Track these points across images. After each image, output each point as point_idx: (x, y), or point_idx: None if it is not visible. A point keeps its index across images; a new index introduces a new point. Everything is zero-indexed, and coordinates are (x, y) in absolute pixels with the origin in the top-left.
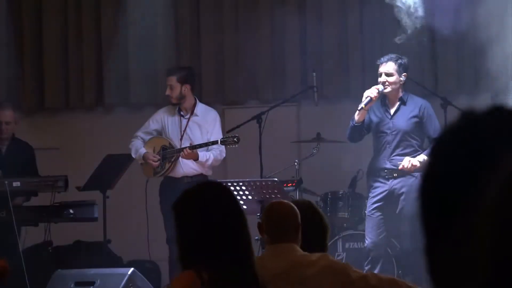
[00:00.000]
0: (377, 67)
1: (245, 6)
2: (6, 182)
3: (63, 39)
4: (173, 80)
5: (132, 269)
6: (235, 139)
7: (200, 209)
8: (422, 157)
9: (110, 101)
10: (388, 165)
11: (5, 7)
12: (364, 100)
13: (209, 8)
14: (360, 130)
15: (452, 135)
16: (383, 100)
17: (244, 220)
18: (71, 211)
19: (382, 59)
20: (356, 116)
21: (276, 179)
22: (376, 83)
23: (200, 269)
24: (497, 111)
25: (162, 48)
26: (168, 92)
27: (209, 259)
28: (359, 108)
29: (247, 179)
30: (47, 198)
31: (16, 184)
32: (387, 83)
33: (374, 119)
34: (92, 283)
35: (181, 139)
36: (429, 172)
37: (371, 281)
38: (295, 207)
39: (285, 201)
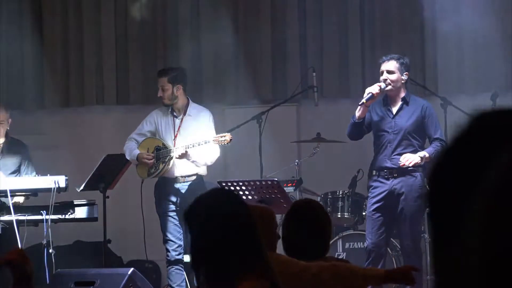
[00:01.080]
0: (379, 65)
1: (245, 6)
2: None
3: (64, 39)
4: (164, 81)
5: (132, 269)
6: (226, 137)
7: (227, 219)
8: (423, 153)
9: (110, 101)
10: (389, 164)
11: (5, 7)
12: (366, 96)
13: (209, 8)
14: (360, 127)
15: (463, 135)
16: (385, 99)
17: (256, 226)
18: (71, 211)
19: (384, 57)
20: (357, 113)
21: (276, 179)
22: (376, 82)
23: (261, 279)
24: (510, 112)
25: (162, 48)
26: (160, 93)
27: (255, 267)
28: (360, 103)
29: (247, 179)
30: (47, 198)
31: (16, 184)
32: (388, 80)
33: (375, 117)
34: (92, 283)
35: (174, 139)
36: (438, 171)
37: (312, 270)
38: (264, 211)
39: (257, 205)
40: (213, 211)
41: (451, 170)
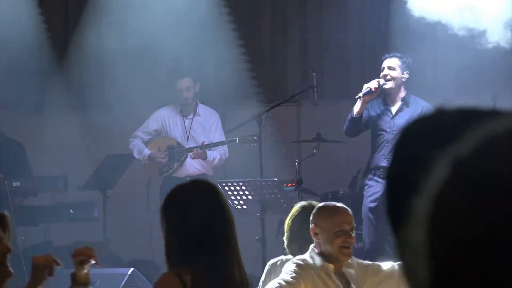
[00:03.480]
0: (381, 62)
1: (246, 6)
2: (6, 182)
3: (64, 39)
4: (189, 81)
5: (132, 269)
6: (255, 138)
7: (181, 209)
8: None
9: (110, 102)
10: (385, 164)
11: (5, 7)
12: (364, 90)
13: (209, 8)
14: (357, 124)
15: (399, 141)
16: (385, 99)
17: (229, 219)
18: (71, 211)
19: (387, 54)
20: (355, 108)
21: (276, 179)
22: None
23: (182, 272)
24: (439, 114)
25: (162, 48)
26: (185, 95)
27: (190, 261)
28: (356, 97)
29: (247, 179)
30: (47, 198)
31: (16, 184)
32: (388, 76)
33: (374, 116)
34: (92, 283)
35: (187, 140)
36: (388, 173)
37: None
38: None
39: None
40: (188, 203)
41: (399, 162)
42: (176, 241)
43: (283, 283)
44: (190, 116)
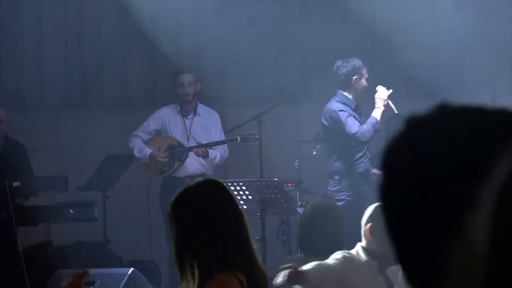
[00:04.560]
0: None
1: (246, 6)
2: (6, 182)
3: (64, 39)
4: (192, 77)
5: (132, 269)
6: (256, 136)
7: (197, 211)
8: None
9: (111, 101)
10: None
11: (5, 6)
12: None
13: (210, 8)
14: None
15: (402, 145)
16: (358, 106)
17: (241, 214)
18: (71, 211)
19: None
20: (379, 117)
21: (276, 179)
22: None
23: (236, 272)
24: (442, 110)
25: (162, 48)
26: (187, 90)
27: (233, 261)
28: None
29: (247, 179)
30: (47, 198)
31: (16, 184)
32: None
33: (358, 124)
34: (92, 283)
35: (188, 139)
36: (388, 188)
37: None
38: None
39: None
40: (204, 203)
41: (402, 185)
42: (197, 245)
43: (324, 263)
44: (190, 116)
